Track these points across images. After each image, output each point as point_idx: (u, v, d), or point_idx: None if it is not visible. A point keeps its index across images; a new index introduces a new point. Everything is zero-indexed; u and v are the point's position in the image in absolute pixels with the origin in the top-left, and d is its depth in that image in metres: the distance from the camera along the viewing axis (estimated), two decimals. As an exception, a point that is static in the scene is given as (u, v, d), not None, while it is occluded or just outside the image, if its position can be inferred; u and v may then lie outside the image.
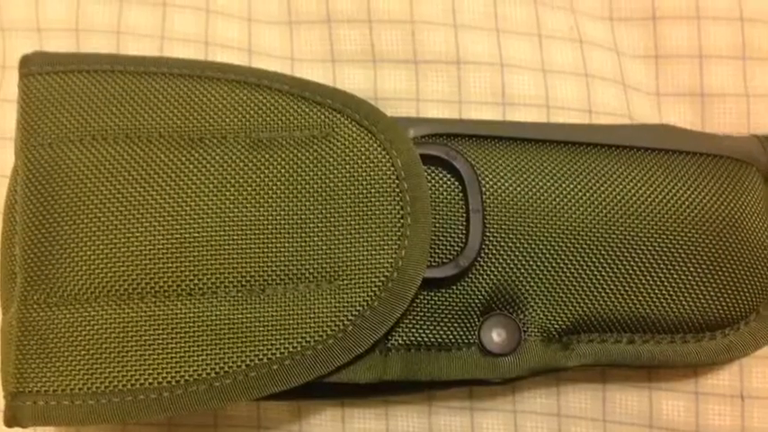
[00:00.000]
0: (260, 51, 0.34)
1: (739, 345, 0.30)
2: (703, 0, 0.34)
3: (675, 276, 0.30)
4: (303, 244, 0.28)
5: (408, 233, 0.28)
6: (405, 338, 0.29)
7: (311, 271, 0.28)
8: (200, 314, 0.27)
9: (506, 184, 0.30)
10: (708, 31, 0.34)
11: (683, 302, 0.30)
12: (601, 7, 0.35)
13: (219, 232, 0.28)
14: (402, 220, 0.28)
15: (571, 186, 0.30)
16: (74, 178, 0.28)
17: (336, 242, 0.28)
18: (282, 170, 0.29)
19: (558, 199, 0.30)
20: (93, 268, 0.27)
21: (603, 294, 0.29)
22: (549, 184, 0.30)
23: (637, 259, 0.30)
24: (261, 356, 0.27)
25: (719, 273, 0.30)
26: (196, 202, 0.28)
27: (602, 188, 0.30)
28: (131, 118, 0.29)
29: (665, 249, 0.30)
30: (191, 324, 0.27)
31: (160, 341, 0.27)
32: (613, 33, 0.35)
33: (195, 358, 0.27)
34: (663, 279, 0.30)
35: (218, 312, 0.27)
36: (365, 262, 0.28)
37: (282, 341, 0.27)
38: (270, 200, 0.28)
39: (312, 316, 0.28)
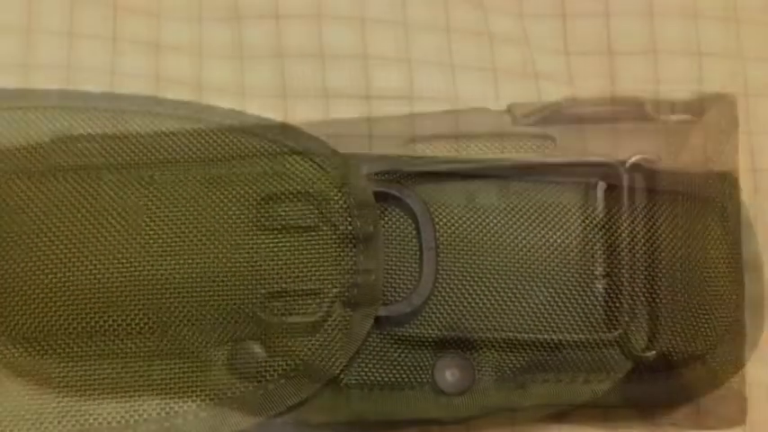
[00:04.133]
0: (210, 87, 0.34)
1: (697, 384, 0.30)
2: (661, 33, 0.35)
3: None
4: (254, 281, 0.28)
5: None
6: (357, 378, 0.29)
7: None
8: (151, 353, 0.27)
9: (460, 222, 0.29)
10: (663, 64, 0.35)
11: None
12: (554, 38, 0.35)
13: (172, 268, 0.27)
14: (354, 258, 0.28)
15: (527, 223, 0.30)
16: (21, 214, 0.28)
17: (288, 280, 0.28)
18: (234, 207, 0.28)
19: (513, 236, 0.29)
20: (41, 307, 0.27)
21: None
22: (503, 220, 0.30)
23: (592, 298, 0.29)
24: (212, 396, 0.27)
25: (675, 313, 0.29)
26: (148, 240, 0.28)
27: (558, 225, 0.30)
28: (81, 155, 0.28)
29: None
30: (140, 363, 0.27)
31: (110, 380, 0.27)
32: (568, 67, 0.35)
33: (145, 398, 0.27)
34: None
35: (168, 351, 0.27)
36: None
37: (234, 380, 0.27)
38: (222, 237, 0.28)
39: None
